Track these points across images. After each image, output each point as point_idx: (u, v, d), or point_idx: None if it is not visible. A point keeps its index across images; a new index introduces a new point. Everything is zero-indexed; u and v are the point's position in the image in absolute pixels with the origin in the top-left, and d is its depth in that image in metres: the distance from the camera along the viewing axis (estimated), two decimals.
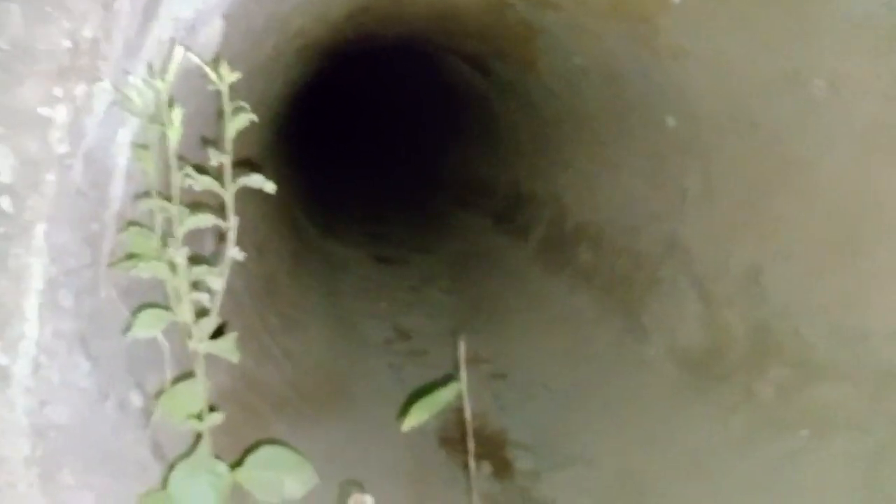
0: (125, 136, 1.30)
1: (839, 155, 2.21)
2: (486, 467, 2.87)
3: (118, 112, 1.25)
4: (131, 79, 1.09)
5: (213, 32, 1.43)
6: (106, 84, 1.13)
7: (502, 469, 2.85)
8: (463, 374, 1.53)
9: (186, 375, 1.24)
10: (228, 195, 1.08)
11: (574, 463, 2.78)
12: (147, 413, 1.52)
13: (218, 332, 1.21)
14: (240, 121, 1.07)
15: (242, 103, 1.07)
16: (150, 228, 1.13)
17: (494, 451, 3.00)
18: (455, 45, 4.79)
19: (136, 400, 1.52)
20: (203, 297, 1.14)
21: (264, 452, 1.31)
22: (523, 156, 5.19)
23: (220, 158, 1.05)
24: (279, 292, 3.90)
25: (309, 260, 5.09)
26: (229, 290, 2.86)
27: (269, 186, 1.09)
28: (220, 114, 1.09)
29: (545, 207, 4.81)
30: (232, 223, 1.10)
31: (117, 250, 1.30)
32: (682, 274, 3.16)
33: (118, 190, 1.33)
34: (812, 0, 2.07)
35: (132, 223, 1.19)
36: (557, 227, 4.54)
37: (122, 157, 1.30)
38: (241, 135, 1.21)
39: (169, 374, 1.30)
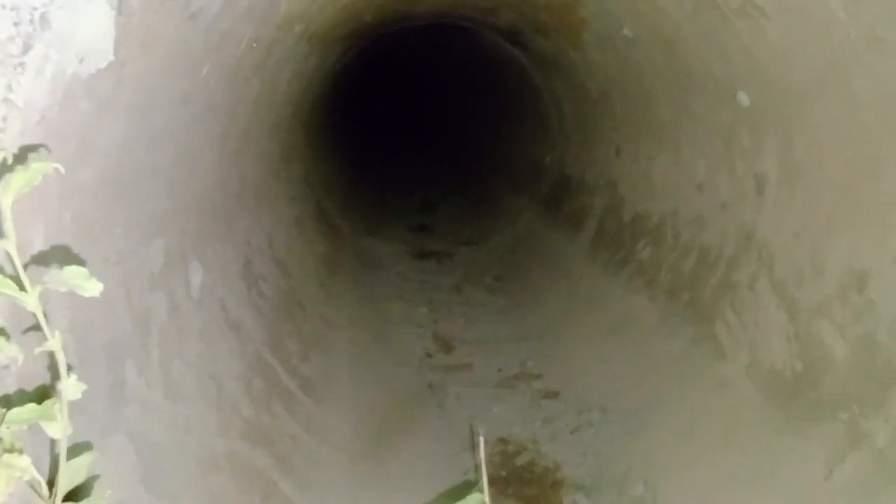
0: None
1: None
2: None
3: None
4: None
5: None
6: None
7: None
8: (484, 482, 1.12)
9: None
10: (33, 302, 0.69)
11: None
12: None
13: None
14: (18, 182, 0.68)
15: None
16: None
17: (547, 494, 2.59)
18: (489, 18, 4.31)
19: None
20: (21, 465, 0.74)
21: None
22: (569, 137, 4.70)
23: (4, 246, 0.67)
24: (305, 308, 3.57)
25: (341, 262, 4.75)
26: (228, 325, 2.53)
27: (93, 287, 0.70)
28: None
29: (597, 195, 4.32)
30: (55, 345, 0.71)
31: None
32: (761, 276, 2.66)
33: None
34: None
35: None
36: (612, 219, 4.06)
37: None
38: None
39: None
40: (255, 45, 2.12)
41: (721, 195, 2.99)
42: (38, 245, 1.28)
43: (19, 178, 0.69)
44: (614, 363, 3.25)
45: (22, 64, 0.90)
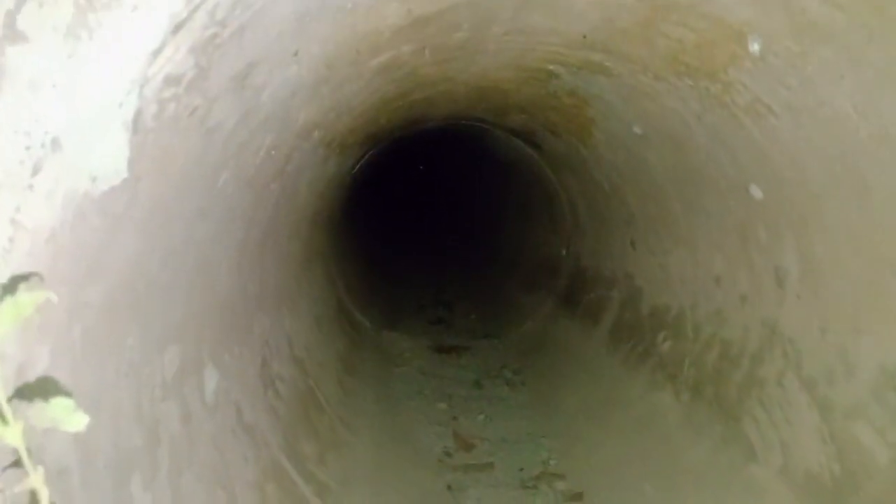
0: None
1: None
2: None
3: None
4: None
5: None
6: None
7: None
8: None
9: None
10: (15, 438, 0.66)
11: None
12: None
13: None
14: (5, 321, 0.66)
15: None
16: None
17: None
18: (501, 120, 4.44)
19: None
20: None
21: None
22: (584, 230, 4.72)
23: None
24: (322, 408, 3.50)
25: (361, 359, 4.71)
26: (242, 429, 2.48)
27: (77, 422, 0.68)
28: None
29: (614, 287, 4.29)
30: (38, 482, 0.68)
31: None
32: (789, 373, 2.58)
33: None
34: None
35: None
36: (631, 311, 4.00)
37: None
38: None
39: None
40: (273, 153, 2.18)
41: (740, 288, 2.95)
42: (44, 362, 1.27)
43: (7, 315, 0.68)
44: (639, 464, 3.12)
45: (31, 186, 0.91)
